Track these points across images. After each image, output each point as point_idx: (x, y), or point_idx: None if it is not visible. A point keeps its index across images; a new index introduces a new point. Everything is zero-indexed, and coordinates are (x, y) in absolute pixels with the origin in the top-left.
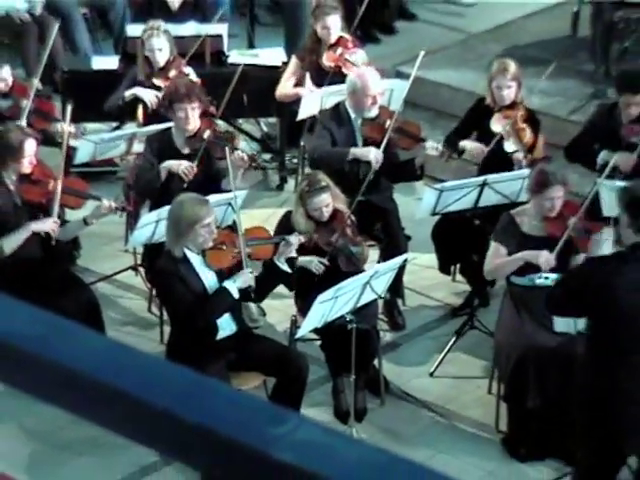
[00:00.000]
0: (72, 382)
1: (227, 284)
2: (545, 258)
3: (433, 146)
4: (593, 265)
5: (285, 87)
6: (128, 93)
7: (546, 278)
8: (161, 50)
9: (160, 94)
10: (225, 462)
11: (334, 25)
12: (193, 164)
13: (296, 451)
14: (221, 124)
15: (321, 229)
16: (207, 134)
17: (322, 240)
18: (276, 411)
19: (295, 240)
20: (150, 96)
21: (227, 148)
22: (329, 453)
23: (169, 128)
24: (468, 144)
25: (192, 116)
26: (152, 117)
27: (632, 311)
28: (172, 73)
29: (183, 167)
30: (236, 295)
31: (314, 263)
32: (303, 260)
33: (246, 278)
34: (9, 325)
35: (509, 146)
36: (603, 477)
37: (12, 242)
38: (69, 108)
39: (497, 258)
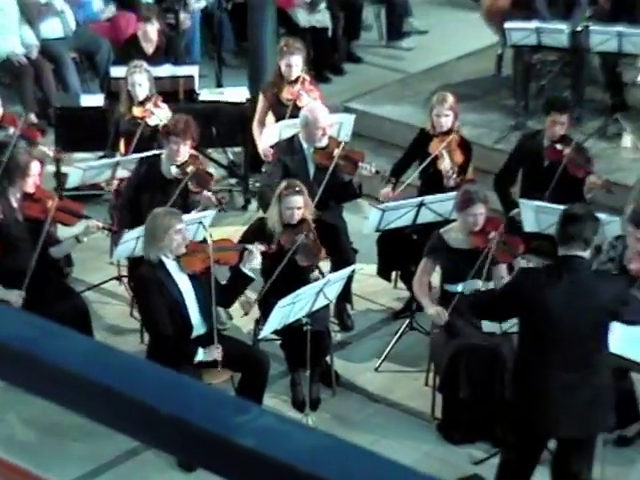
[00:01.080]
0: (61, 378)
1: (199, 352)
2: (437, 312)
3: (365, 167)
4: (525, 277)
5: (256, 132)
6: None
7: (463, 287)
8: (141, 85)
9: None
10: (196, 447)
11: (296, 64)
12: None
13: (256, 437)
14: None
15: (287, 231)
16: (190, 169)
17: (287, 239)
18: (239, 403)
19: (256, 249)
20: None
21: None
22: (285, 439)
23: (159, 154)
24: (383, 191)
25: (182, 150)
26: (134, 148)
27: (559, 319)
28: (149, 106)
29: None
30: (199, 358)
31: (243, 303)
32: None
33: (213, 354)
34: (5, 329)
35: (442, 165)
36: (526, 459)
37: None
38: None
39: (425, 273)
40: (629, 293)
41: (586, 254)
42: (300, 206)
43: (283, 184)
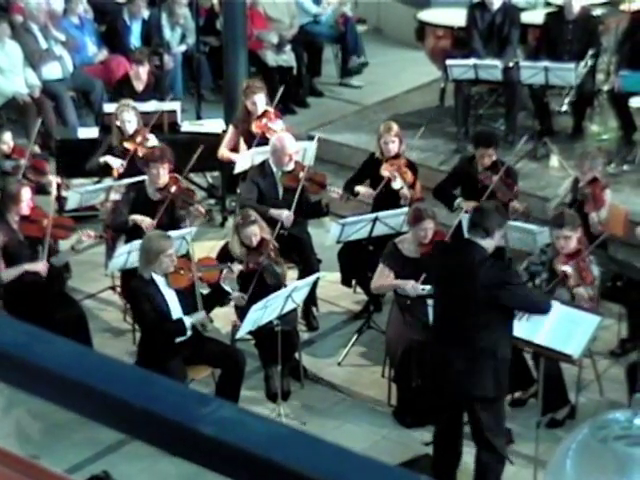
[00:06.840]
0: (49, 378)
1: (185, 318)
2: (411, 285)
3: (333, 190)
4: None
5: (223, 152)
6: (102, 159)
7: (422, 289)
8: (130, 122)
9: (124, 162)
10: (165, 435)
11: (260, 101)
12: (153, 222)
13: (217, 426)
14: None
15: (251, 253)
16: (173, 189)
17: (252, 261)
18: (202, 396)
19: (236, 268)
20: (117, 164)
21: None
22: (242, 427)
23: (143, 180)
24: (361, 189)
25: (162, 174)
26: (124, 173)
27: (445, 298)
28: (138, 139)
29: (145, 224)
30: (188, 327)
31: (238, 298)
32: (233, 296)
33: (200, 318)
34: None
35: (396, 184)
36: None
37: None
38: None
39: (382, 278)
40: (510, 280)
41: (485, 242)
42: (256, 233)
43: (238, 217)
